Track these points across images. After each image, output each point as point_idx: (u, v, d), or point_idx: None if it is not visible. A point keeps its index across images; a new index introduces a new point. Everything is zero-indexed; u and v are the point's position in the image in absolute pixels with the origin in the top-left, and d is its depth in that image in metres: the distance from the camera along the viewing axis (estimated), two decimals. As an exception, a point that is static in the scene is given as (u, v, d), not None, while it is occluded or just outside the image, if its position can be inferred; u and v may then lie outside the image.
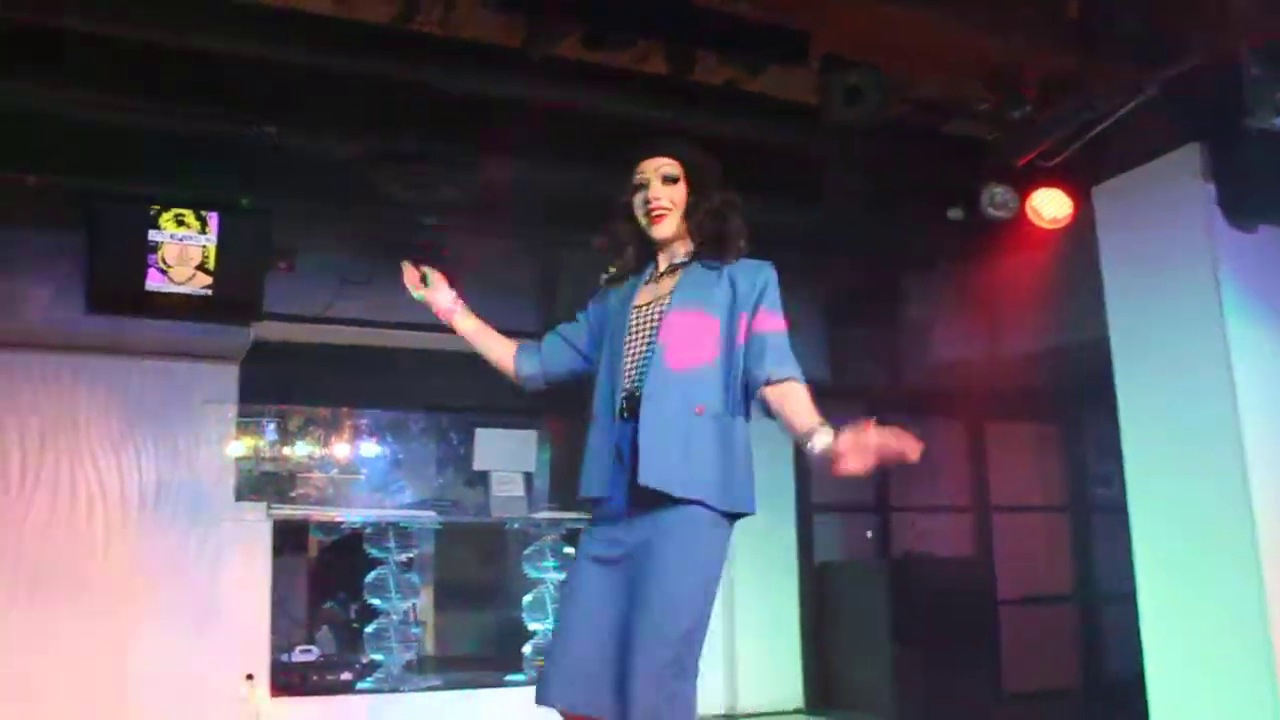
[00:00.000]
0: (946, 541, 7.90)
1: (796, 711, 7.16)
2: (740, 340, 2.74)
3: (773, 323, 2.75)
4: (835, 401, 7.99)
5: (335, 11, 4.40)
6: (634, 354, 2.80)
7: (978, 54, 4.38)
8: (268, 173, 5.55)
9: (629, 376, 2.78)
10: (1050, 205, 5.09)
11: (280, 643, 6.76)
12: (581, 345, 3.04)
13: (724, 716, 7.08)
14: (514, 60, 4.42)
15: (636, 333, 2.82)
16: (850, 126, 4.56)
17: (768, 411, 2.71)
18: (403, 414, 9.11)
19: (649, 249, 2.93)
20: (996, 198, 5.13)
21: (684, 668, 2.54)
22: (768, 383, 2.67)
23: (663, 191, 2.87)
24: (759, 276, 2.81)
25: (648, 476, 2.62)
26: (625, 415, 2.73)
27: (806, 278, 6.37)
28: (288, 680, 6.46)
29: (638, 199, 2.90)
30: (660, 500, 2.61)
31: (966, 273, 5.99)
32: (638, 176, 2.91)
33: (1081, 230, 5.12)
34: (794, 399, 2.65)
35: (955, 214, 5.33)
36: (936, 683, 6.77)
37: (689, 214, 2.87)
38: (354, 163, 5.48)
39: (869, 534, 8.01)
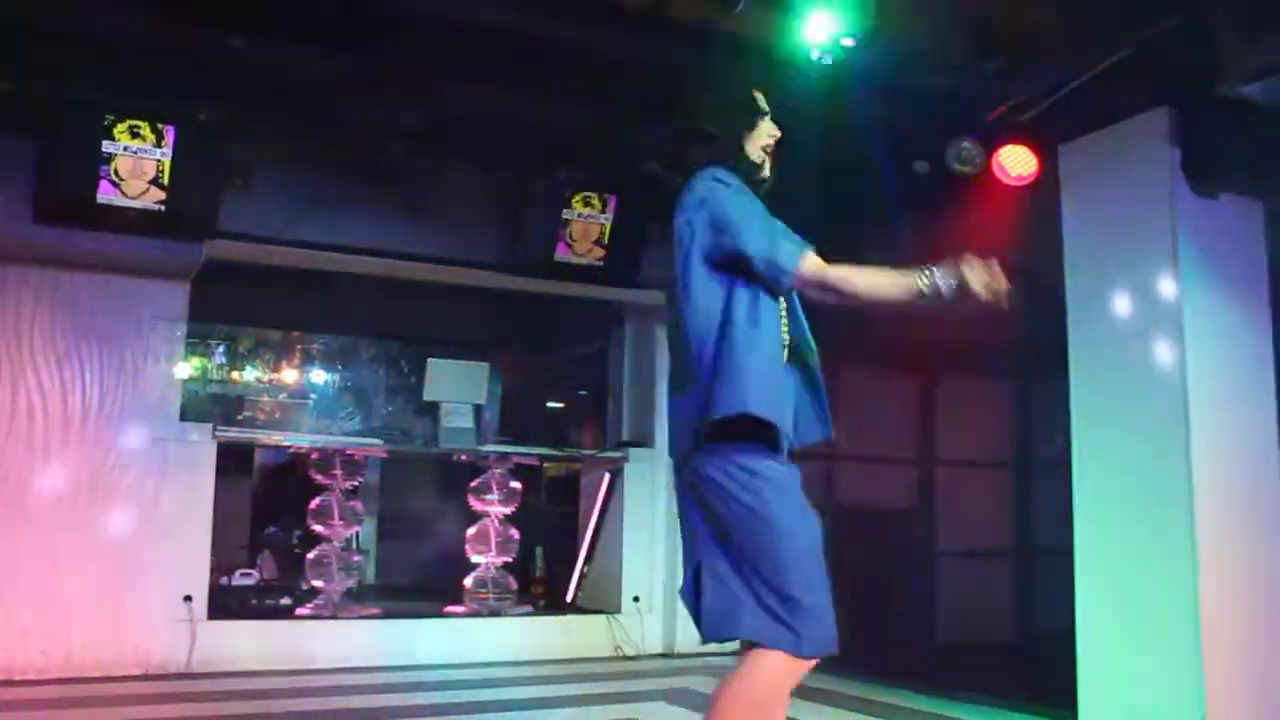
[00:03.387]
0: (890, 493, 7.98)
1: (733, 654, 7.24)
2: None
3: None
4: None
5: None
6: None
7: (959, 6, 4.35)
8: (229, 88, 5.43)
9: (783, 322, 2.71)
10: (1016, 162, 5.09)
11: (221, 565, 6.73)
12: None
13: (662, 655, 7.16)
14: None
15: None
16: (823, 72, 4.53)
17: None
18: (354, 340, 9.05)
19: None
20: (963, 152, 5.13)
21: None
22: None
23: None
24: None
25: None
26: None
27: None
28: (226, 603, 6.45)
29: (767, 127, 2.79)
30: None
31: (929, 226, 5.98)
32: (762, 102, 2.81)
33: (1046, 189, 5.13)
34: None
35: (921, 167, 5.33)
36: (870, 632, 6.85)
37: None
38: (319, 83, 5.38)
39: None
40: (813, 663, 2.58)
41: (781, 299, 2.68)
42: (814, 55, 4.54)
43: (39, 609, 5.71)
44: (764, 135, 2.79)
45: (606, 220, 6.60)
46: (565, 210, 6.52)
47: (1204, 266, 4.57)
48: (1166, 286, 4.57)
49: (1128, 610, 4.66)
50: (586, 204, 6.54)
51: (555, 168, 6.49)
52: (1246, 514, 4.57)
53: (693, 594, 2.63)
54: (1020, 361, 7.78)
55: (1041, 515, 7.97)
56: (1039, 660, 6.47)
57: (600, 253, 6.66)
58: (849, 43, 4.47)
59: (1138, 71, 4.52)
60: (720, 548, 2.56)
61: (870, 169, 5.53)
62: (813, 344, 2.75)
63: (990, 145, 5.12)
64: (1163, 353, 4.58)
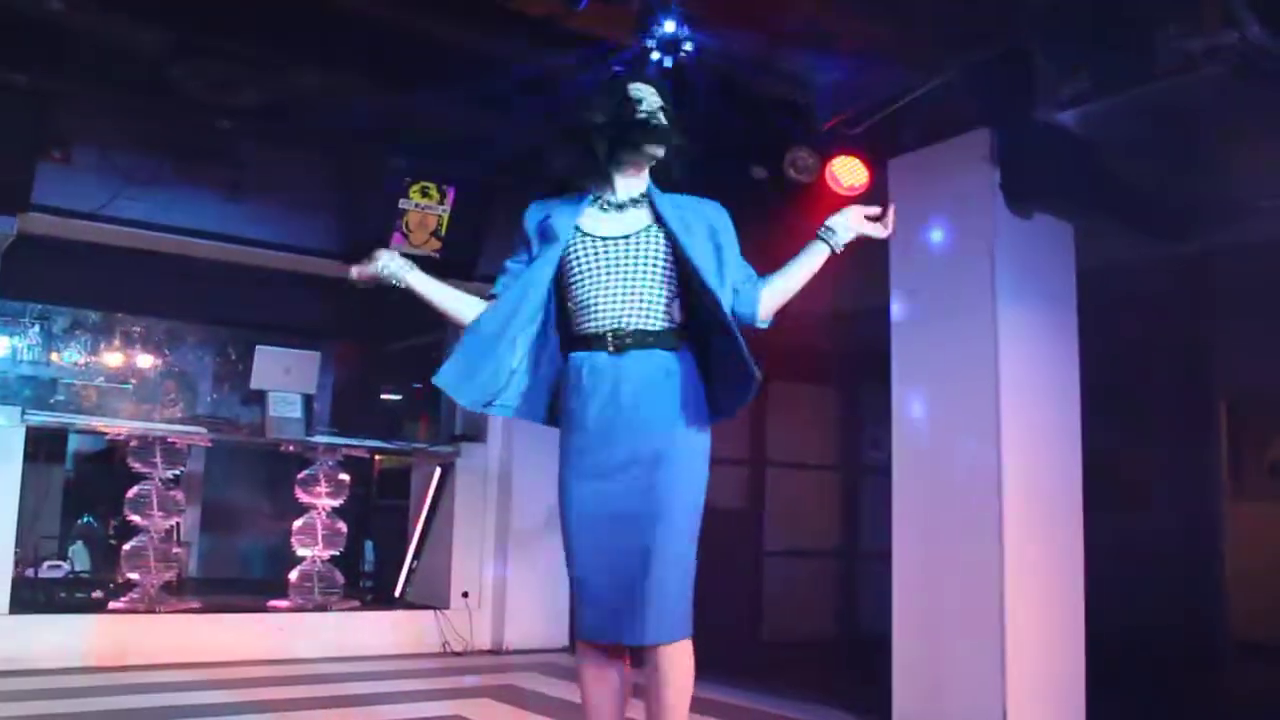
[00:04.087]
0: (721, 492, 8.10)
1: (562, 650, 7.26)
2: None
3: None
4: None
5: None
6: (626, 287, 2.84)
7: (796, 16, 4.45)
8: (48, 52, 5.17)
9: (621, 312, 2.84)
10: (848, 173, 5.23)
11: (27, 557, 6.42)
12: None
13: (490, 652, 7.14)
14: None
15: (620, 264, 2.85)
16: (665, 73, 4.57)
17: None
18: (179, 324, 8.75)
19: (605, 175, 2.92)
20: (799, 161, 5.24)
21: None
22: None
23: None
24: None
25: None
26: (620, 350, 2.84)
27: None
28: (32, 597, 6.15)
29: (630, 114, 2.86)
30: None
31: (763, 232, 6.09)
32: (632, 91, 2.89)
33: (875, 200, 5.27)
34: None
35: (759, 173, 5.42)
36: (697, 629, 6.95)
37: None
38: (149, 53, 5.18)
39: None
40: (588, 647, 2.87)
41: None
42: (655, 56, 4.59)
43: None
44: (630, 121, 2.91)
45: (444, 212, 6.53)
46: (402, 200, 6.42)
47: (1018, 281, 4.79)
48: (983, 298, 4.76)
49: (938, 611, 4.84)
50: (424, 194, 6.47)
51: (393, 156, 6.38)
52: (1051, 519, 4.81)
53: None
54: (849, 368, 8.03)
55: (868, 517, 8.24)
56: (860, 659, 6.69)
57: (437, 244, 6.59)
58: (689, 47, 4.53)
59: (964, 93, 4.71)
60: None
61: (708, 172, 5.59)
62: None
63: (824, 155, 5.25)
64: (978, 361, 4.77)
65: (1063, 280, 5.03)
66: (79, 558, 7.21)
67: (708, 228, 2.92)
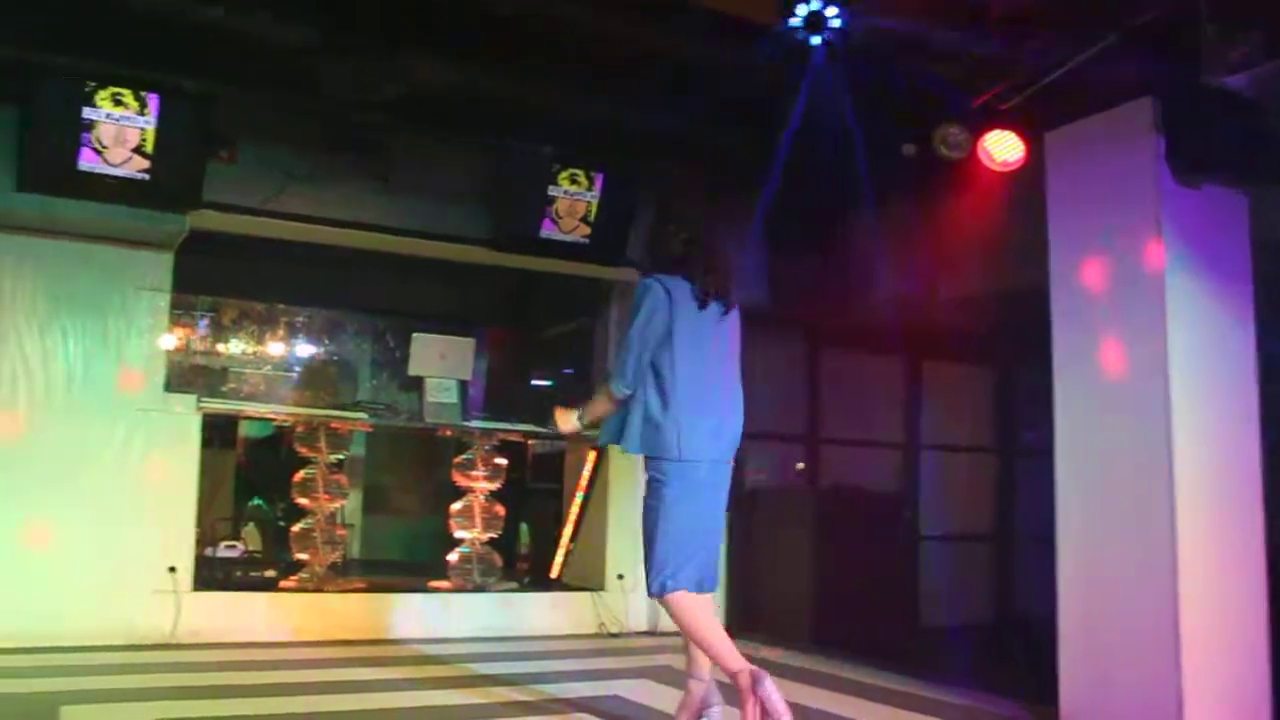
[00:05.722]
0: (876, 475, 8.00)
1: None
2: None
3: None
4: (775, 328, 8.03)
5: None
6: None
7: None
8: (212, 58, 5.41)
9: None
10: (1002, 148, 5.07)
11: (205, 537, 6.73)
12: None
13: (646, 633, 7.19)
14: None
15: None
16: (809, 51, 4.51)
17: None
18: (340, 313, 9.04)
19: None
20: (951, 137, 5.10)
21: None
22: None
23: None
24: None
25: None
26: None
27: (752, 201, 6.33)
28: (210, 575, 6.45)
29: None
30: None
31: (915, 210, 5.98)
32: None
33: (1031, 176, 5.11)
34: None
35: (909, 150, 5.30)
36: (854, 613, 6.88)
37: None
38: (300, 54, 5.35)
39: (799, 466, 8.08)
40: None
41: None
42: (802, 34, 4.52)
43: (23, 578, 5.68)
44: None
45: (593, 198, 6.58)
46: (551, 187, 6.50)
47: (1187, 256, 4.56)
48: (1150, 276, 4.55)
49: (1107, 601, 4.66)
50: (573, 181, 6.52)
51: (541, 143, 6.45)
52: (1226, 505, 4.57)
53: None
54: (1003, 348, 7.79)
55: (1024, 500, 7.99)
56: (1020, 645, 6.51)
57: (586, 230, 6.65)
58: (836, 23, 4.45)
59: (1124, 60, 4.50)
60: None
61: (859, 151, 5.51)
62: None
63: (977, 131, 5.09)
64: (1146, 342, 4.57)
65: (1236, 254, 4.76)
66: (251, 538, 7.51)
67: None
